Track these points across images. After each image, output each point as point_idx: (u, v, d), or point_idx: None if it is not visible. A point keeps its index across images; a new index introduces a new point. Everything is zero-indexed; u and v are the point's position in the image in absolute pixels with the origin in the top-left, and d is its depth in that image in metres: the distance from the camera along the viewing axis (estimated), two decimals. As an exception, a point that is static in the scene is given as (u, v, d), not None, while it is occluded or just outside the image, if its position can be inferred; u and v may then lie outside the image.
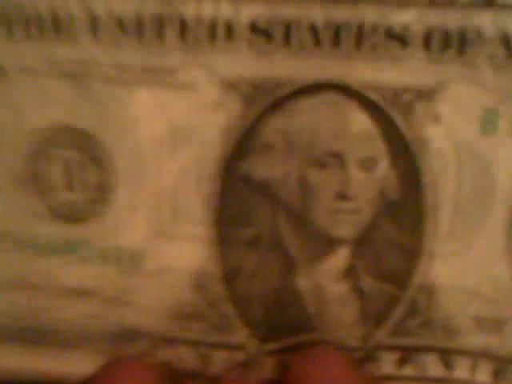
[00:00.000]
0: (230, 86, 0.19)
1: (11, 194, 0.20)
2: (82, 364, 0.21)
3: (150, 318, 0.20)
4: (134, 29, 0.19)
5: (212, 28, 0.18)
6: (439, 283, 0.19)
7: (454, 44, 0.18)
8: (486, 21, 0.18)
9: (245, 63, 0.18)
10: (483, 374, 0.20)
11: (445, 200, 0.19)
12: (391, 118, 0.19)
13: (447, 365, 0.20)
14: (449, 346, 0.20)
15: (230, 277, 0.20)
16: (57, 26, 0.19)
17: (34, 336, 0.21)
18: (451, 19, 0.18)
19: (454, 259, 0.19)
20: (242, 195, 0.19)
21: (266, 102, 0.19)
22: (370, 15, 0.18)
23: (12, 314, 0.21)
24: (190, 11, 0.18)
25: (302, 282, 0.20)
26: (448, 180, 0.19)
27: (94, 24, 0.19)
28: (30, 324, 0.21)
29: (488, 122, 0.18)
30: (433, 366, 0.20)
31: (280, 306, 0.20)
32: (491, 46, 0.18)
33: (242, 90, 0.19)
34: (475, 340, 0.20)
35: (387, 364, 0.20)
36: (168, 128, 0.19)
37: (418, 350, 0.20)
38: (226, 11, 0.18)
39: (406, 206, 0.19)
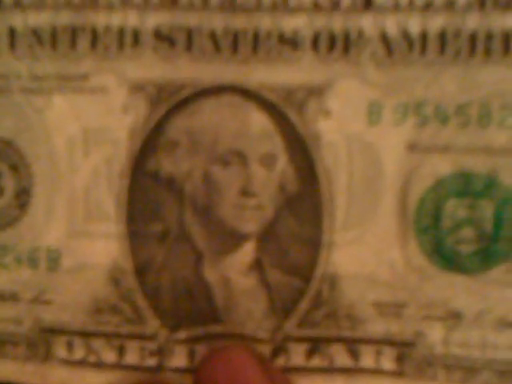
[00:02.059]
0: (138, 88, 0.21)
1: None
2: (14, 371, 0.21)
3: (68, 315, 0.21)
4: (49, 39, 0.20)
5: (120, 36, 0.20)
6: (340, 272, 0.21)
7: (339, 45, 0.20)
8: (367, 22, 0.20)
9: (150, 67, 0.20)
10: (387, 360, 0.21)
11: (339, 191, 0.20)
12: (286, 116, 0.20)
13: (353, 354, 0.21)
14: (353, 335, 0.21)
15: (141, 270, 0.21)
16: None
17: None
18: (335, 22, 0.20)
19: (352, 247, 0.20)
20: (150, 191, 0.21)
21: (171, 103, 0.21)
22: (264, 23, 0.20)
23: None
24: (100, 21, 0.20)
25: (210, 275, 0.21)
26: (341, 171, 0.20)
27: (11, 37, 0.21)
28: None
29: (373, 114, 0.20)
30: (340, 357, 0.21)
31: (189, 297, 0.21)
32: (372, 45, 0.20)
33: (148, 92, 0.20)
34: (377, 327, 0.21)
35: (296, 356, 0.21)
36: (81, 130, 0.21)
37: (324, 340, 0.21)
38: (132, 20, 0.20)
39: (305, 199, 0.21)
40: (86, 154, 0.21)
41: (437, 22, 0.20)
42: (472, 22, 0.20)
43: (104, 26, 0.20)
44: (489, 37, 0.20)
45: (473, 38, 0.20)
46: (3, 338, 0.21)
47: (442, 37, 0.20)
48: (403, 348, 0.21)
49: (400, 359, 0.21)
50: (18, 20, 0.21)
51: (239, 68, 0.20)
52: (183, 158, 0.20)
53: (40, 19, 0.21)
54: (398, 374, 0.21)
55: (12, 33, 0.21)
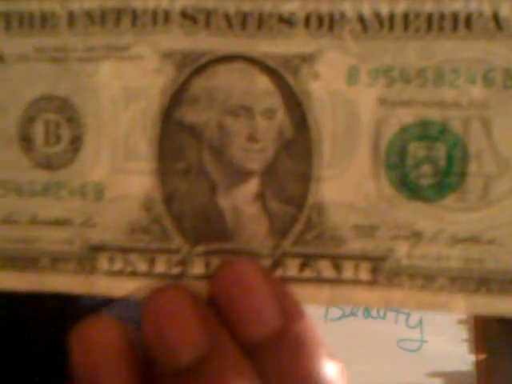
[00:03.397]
0: (167, 56, 0.25)
1: (1, 152, 0.27)
2: (65, 282, 0.26)
3: (109, 235, 0.25)
4: (99, 19, 0.26)
5: (154, 16, 0.25)
6: (326, 201, 0.24)
7: (325, 23, 0.24)
8: (347, 6, 0.24)
9: (177, 40, 0.25)
10: (364, 272, 0.24)
11: (325, 136, 0.24)
12: (284, 78, 0.24)
13: (337, 268, 0.24)
14: (337, 252, 0.24)
15: (168, 199, 0.25)
16: (43, 22, 0.26)
17: (24, 263, 0.26)
18: (323, 6, 0.25)
19: (335, 181, 0.24)
20: (176, 136, 0.25)
21: (193, 68, 0.25)
22: (266, 6, 0.25)
23: (4, 246, 0.26)
24: (138, 4, 0.26)
25: (222, 203, 0.25)
26: (326, 121, 0.24)
27: (70, 19, 0.26)
28: (19, 253, 0.26)
29: (352, 76, 0.24)
30: (326, 270, 0.24)
31: (206, 220, 0.25)
32: (351, 23, 0.24)
33: (175, 59, 0.25)
34: (355, 245, 0.24)
35: (291, 269, 0.24)
36: (122, 89, 0.26)
37: (314, 256, 0.24)
38: (164, 4, 0.25)
39: (298, 142, 0.24)
40: (125, 107, 0.25)
41: (401, 6, 0.24)
42: (428, 6, 0.24)
43: (141, 9, 0.25)
44: (441, 17, 0.24)
45: (429, 18, 0.24)
46: (57, 256, 0.26)
47: (406, 17, 0.24)
48: (376, 262, 0.24)
49: (374, 271, 0.24)
50: (75, 5, 0.26)
51: (247, 41, 0.25)
52: (202, 110, 0.25)
53: (92, 4, 0.26)
54: (373, 282, 0.24)
55: (70, 15, 0.26)
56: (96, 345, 0.23)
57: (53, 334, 0.40)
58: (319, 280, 0.25)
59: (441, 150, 0.24)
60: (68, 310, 0.42)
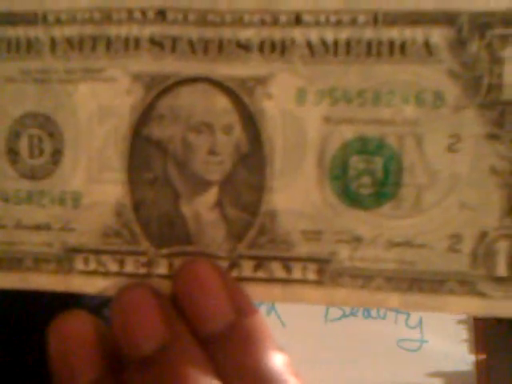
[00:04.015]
0: (136, 78, 0.28)
1: None
2: (46, 281, 0.29)
3: (85, 239, 0.28)
4: (77, 45, 0.29)
5: (126, 42, 0.28)
6: (278, 209, 0.26)
7: (278, 49, 0.27)
8: (297, 34, 0.27)
9: (146, 64, 0.28)
10: (311, 273, 0.26)
11: (277, 150, 0.26)
12: (241, 98, 0.27)
13: (287, 269, 0.26)
14: (287, 255, 0.26)
15: (136, 206, 0.27)
16: (28, 47, 0.29)
17: (9, 263, 0.29)
18: (275, 34, 0.27)
19: (286, 191, 0.26)
20: (144, 150, 0.27)
21: (159, 88, 0.27)
22: (225, 34, 0.28)
23: None
24: (112, 32, 0.28)
25: (185, 210, 0.27)
26: (278, 136, 0.26)
27: (52, 44, 0.29)
28: (5, 255, 0.29)
29: (300, 97, 0.26)
30: (278, 271, 0.26)
31: (170, 225, 0.27)
32: (300, 49, 0.27)
33: (144, 80, 0.28)
34: (303, 249, 0.26)
35: (246, 269, 0.27)
36: (97, 107, 0.28)
37: (267, 259, 0.27)
38: (134, 31, 0.28)
39: (253, 156, 0.27)
40: (100, 124, 0.28)
41: (344, 34, 0.26)
42: (368, 34, 0.26)
43: (115, 36, 0.28)
44: (379, 44, 0.26)
45: (369, 45, 0.26)
46: (39, 257, 0.28)
47: (348, 44, 0.26)
48: (322, 264, 0.26)
49: (319, 272, 0.26)
50: (57, 32, 0.29)
51: (208, 65, 0.27)
52: (167, 126, 0.27)
53: (72, 31, 0.29)
54: (319, 282, 0.26)
55: (52, 41, 0.29)
56: (70, 334, 0.26)
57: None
58: (271, 280, 0.27)
59: (378, 163, 0.26)
60: (68, 309, 0.45)
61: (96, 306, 0.43)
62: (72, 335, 0.26)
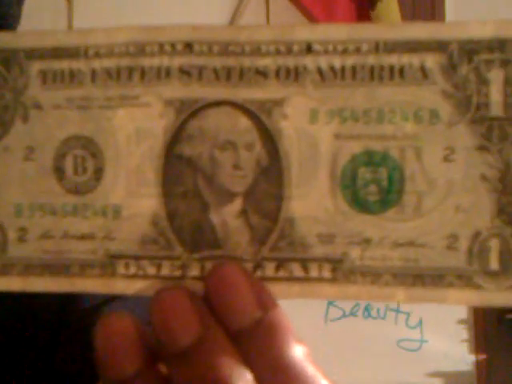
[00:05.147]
0: (168, 103, 0.30)
1: (40, 181, 0.33)
2: (91, 285, 0.32)
3: (125, 246, 0.31)
4: (115, 75, 0.33)
5: (158, 72, 0.32)
6: (295, 216, 0.29)
7: (292, 75, 0.30)
8: (308, 61, 0.29)
9: (177, 90, 0.32)
10: (326, 271, 0.29)
11: (293, 164, 0.29)
12: (260, 119, 0.29)
13: (305, 269, 0.29)
14: (305, 256, 0.29)
15: (171, 216, 0.30)
16: (71, 77, 0.33)
17: (58, 270, 0.32)
18: (290, 61, 0.31)
19: (302, 199, 0.29)
20: (176, 167, 0.30)
21: (189, 111, 0.30)
22: (245, 62, 0.31)
23: (41, 256, 0.32)
24: (146, 63, 0.32)
25: (214, 218, 0.30)
26: (294, 152, 0.29)
27: (93, 75, 0.33)
28: (53, 262, 0.32)
29: (313, 117, 0.29)
30: (296, 270, 0.29)
31: (201, 232, 0.30)
32: (312, 74, 0.30)
33: (175, 105, 0.30)
34: (319, 250, 0.29)
35: (269, 270, 0.29)
36: (134, 130, 0.32)
37: (287, 260, 0.29)
38: (166, 62, 0.32)
39: (272, 169, 0.29)
40: (137, 144, 0.30)
41: (350, 61, 0.29)
42: (370, 60, 0.29)
43: (148, 66, 0.31)
44: (381, 69, 0.29)
45: (371, 70, 0.29)
46: (84, 264, 0.31)
47: (354, 69, 0.29)
48: (335, 263, 0.29)
49: (334, 270, 0.29)
50: (96, 64, 0.33)
51: (231, 90, 0.30)
52: (196, 145, 0.30)
53: (110, 63, 0.32)
54: (333, 280, 0.29)
55: (93, 72, 0.33)
56: (116, 331, 0.29)
57: (54, 333, 0.46)
58: (291, 279, 0.29)
59: (383, 174, 0.29)
60: (68, 309, 0.48)
61: (96, 305, 0.46)
62: (118, 332, 0.29)
